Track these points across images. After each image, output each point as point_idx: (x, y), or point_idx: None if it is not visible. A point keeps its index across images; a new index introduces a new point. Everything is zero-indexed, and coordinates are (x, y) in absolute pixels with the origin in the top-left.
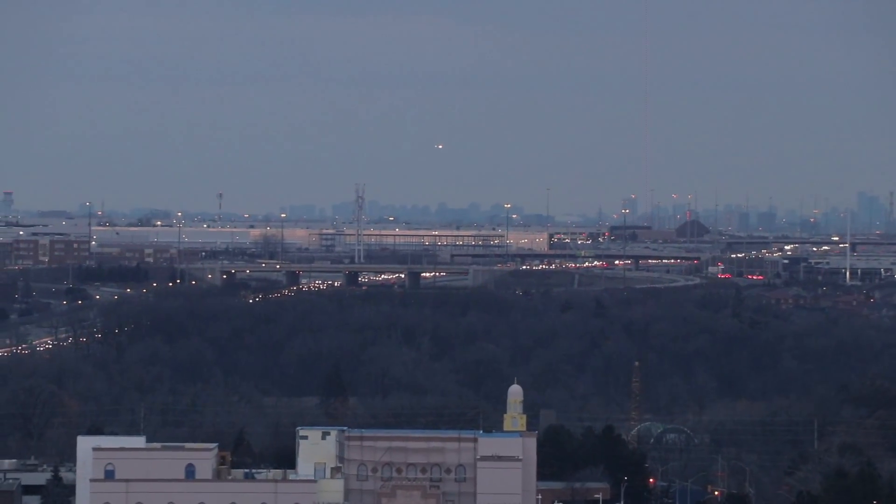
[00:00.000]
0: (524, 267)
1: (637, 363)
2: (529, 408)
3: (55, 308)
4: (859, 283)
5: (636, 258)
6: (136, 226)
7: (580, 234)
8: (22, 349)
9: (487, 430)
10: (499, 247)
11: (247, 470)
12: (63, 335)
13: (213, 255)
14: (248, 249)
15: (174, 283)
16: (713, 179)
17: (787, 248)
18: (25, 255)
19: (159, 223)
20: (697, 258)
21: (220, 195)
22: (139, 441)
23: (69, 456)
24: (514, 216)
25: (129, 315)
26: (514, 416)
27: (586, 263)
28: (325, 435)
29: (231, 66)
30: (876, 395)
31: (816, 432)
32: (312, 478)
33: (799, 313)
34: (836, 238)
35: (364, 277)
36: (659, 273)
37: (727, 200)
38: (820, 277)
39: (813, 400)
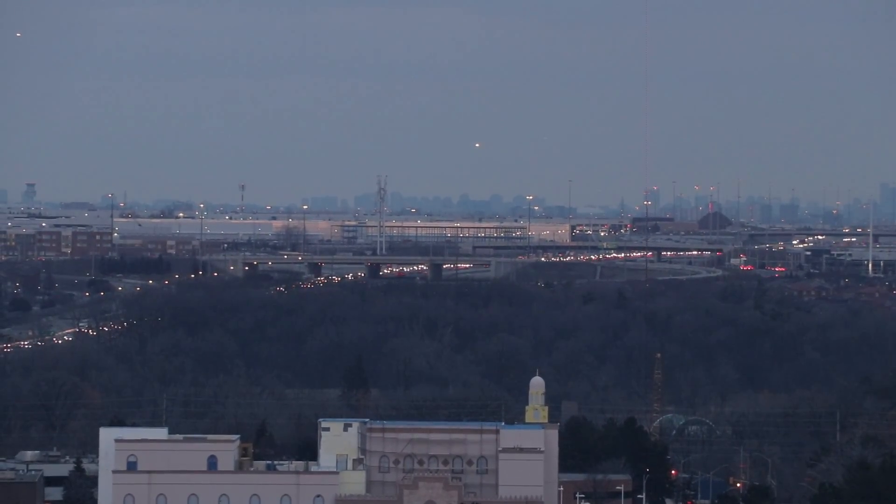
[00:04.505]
0: (545, 258)
1: (659, 355)
2: (551, 399)
3: (77, 300)
4: (882, 275)
5: (658, 250)
6: (159, 217)
7: (602, 225)
8: (45, 340)
9: (509, 422)
10: (521, 238)
11: (269, 462)
12: (85, 327)
13: (236, 246)
14: (270, 241)
15: (196, 274)
16: (735, 171)
17: (809, 239)
18: (48, 246)
19: (182, 215)
20: (720, 250)
21: (243, 187)
22: (161, 433)
23: (91, 447)
24: (536, 208)
25: (151, 307)
26: (536, 408)
27: (610, 255)
28: (346, 427)
29: (253, 57)
30: None
31: (839, 424)
32: (334, 469)
33: (821, 305)
34: (848, 229)
35: (386, 269)
36: (681, 265)
37: (749, 192)
38: (842, 269)
39: (835, 392)
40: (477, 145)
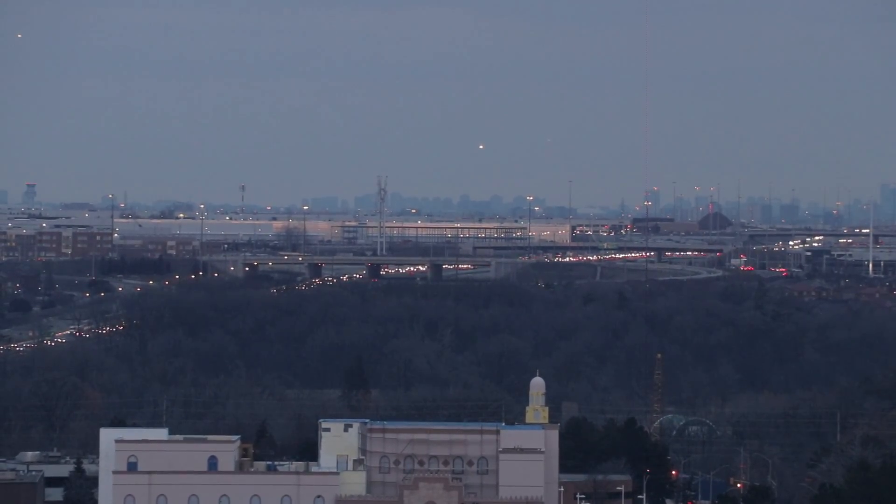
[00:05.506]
0: (546, 259)
1: (659, 355)
2: (551, 400)
3: (78, 300)
4: (882, 276)
5: (659, 250)
6: (159, 218)
7: (602, 226)
8: (45, 341)
9: (510, 423)
10: (521, 239)
11: (269, 462)
12: (86, 327)
13: (236, 247)
14: (270, 242)
15: (197, 275)
16: (736, 171)
17: (808, 240)
18: (48, 247)
19: (182, 215)
20: (720, 250)
21: (243, 187)
22: (162, 433)
23: (92, 448)
24: (536, 208)
25: (151, 307)
26: (537, 409)
27: (610, 255)
28: (347, 427)
29: (254, 58)
30: None
31: (839, 424)
32: (335, 470)
33: (821, 306)
34: (848, 229)
35: (386, 270)
36: (681, 265)
37: (750, 192)
38: (842, 270)
39: (835, 392)
40: (480, 147)
